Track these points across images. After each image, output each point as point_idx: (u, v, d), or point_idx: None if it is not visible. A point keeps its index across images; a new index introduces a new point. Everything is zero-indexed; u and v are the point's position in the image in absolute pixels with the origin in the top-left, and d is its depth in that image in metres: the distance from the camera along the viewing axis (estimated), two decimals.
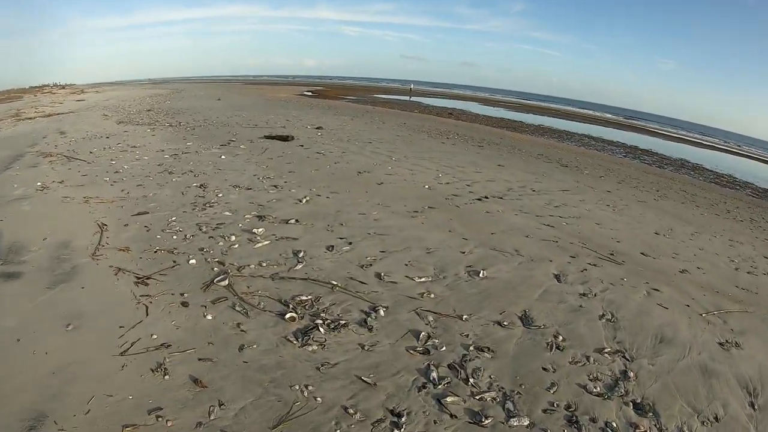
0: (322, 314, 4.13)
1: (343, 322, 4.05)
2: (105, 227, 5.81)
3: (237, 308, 4.12)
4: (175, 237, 5.66)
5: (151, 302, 4.14)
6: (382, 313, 4.31)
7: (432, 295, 4.74)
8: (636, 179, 14.41)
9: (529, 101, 66.64)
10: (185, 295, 4.30)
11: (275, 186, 8.15)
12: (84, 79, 48.04)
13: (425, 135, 17.47)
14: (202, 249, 5.34)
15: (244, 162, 10.02)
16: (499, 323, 4.35)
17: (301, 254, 5.40)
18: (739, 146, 46.36)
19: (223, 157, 10.31)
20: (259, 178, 8.63)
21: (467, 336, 4.10)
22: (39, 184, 7.59)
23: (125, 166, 9.05)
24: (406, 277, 5.06)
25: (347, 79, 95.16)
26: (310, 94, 38.97)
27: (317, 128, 16.00)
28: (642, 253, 6.93)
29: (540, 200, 9.22)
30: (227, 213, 6.58)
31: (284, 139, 12.97)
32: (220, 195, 7.48)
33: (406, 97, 44.86)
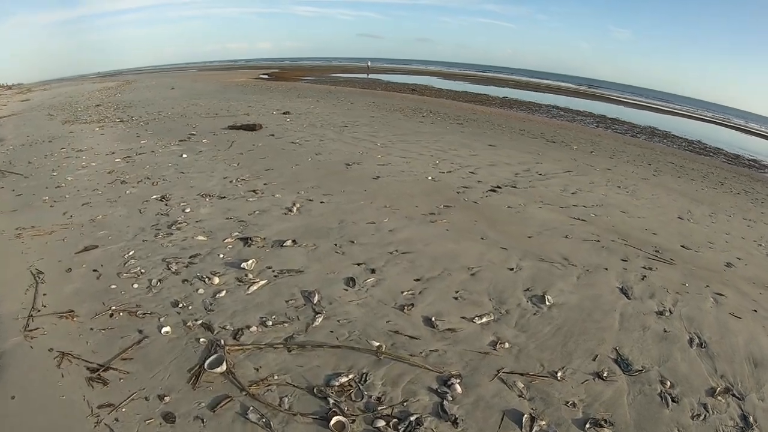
0: (380, 407, 2.79)
1: (415, 416, 2.72)
2: (41, 276, 4.09)
3: (251, 417, 2.69)
4: (136, 285, 4.09)
5: (116, 420, 2.63)
6: (458, 388, 2.99)
7: (506, 345, 3.48)
8: (623, 152, 13.47)
9: (487, 73, 64.99)
10: (166, 399, 2.80)
11: (254, 191, 6.56)
12: (32, 78, 43.74)
13: (399, 114, 16.02)
14: (176, 304, 3.79)
15: (210, 160, 8.47)
16: (599, 375, 3.23)
17: (316, 298, 3.93)
18: (696, 111, 46.21)
19: (184, 155, 8.55)
20: (231, 181, 7.05)
21: (573, 405, 2.93)
22: None
23: (69, 178, 7.23)
24: (463, 318, 3.77)
25: (302, 60, 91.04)
26: (266, 77, 36.39)
27: (284, 113, 14.22)
28: (683, 246, 5.97)
29: (553, 186, 8.08)
30: (201, 237, 4.99)
31: (251, 128, 11.36)
32: (188, 210, 5.90)
33: (364, 75, 42.57)
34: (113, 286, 4.00)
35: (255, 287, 4.08)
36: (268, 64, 66.50)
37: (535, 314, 3.81)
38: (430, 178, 7.83)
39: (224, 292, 3.99)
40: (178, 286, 4.05)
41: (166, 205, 6.00)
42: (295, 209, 5.94)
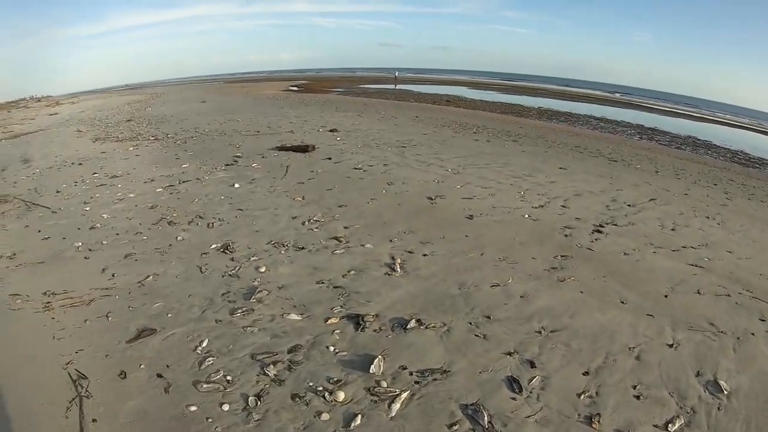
0: None
1: None
2: (84, 386, 2.72)
3: None
4: (226, 406, 2.82)
5: None
6: None
7: None
8: (683, 170, 12.04)
9: (512, 81, 63.37)
10: None
11: (336, 239, 5.33)
12: (61, 90, 43.51)
13: (450, 131, 14.74)
14: None
15: (268, 192, 7.29)
16: None
17: (485, 418, 2.79)
18: (726, 116, 43.87)
19: (236, 185, 7.22)
20: (304, 223, 5.83)
21: None
22: None
23: (104, 215, 5.99)
24: (656, 427, 2.87)
25: (325, 70, 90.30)
26: (295, 89, 35.39)
27: (331, 131, 12.94)
28: None
29: (650, 222, 6.92)
30: (293, 316, 3.67)
31: (303, 150, 10.12)
32: (263, 269, 4.63)
33: (392, 86, 41.32)
34: (193, 408, 2.68)
35: (397, 405, 2.83)
36: (292, 75, 65.90)
37: (719, 409, 3.11)
38: (526, 215, 6.61)
39: (359, 417, 2.73)
40: (288, 407, 2.78)
41: (232, 259, 4.62)
42: (398, 267, 4.56)
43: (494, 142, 12.83)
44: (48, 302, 3.98)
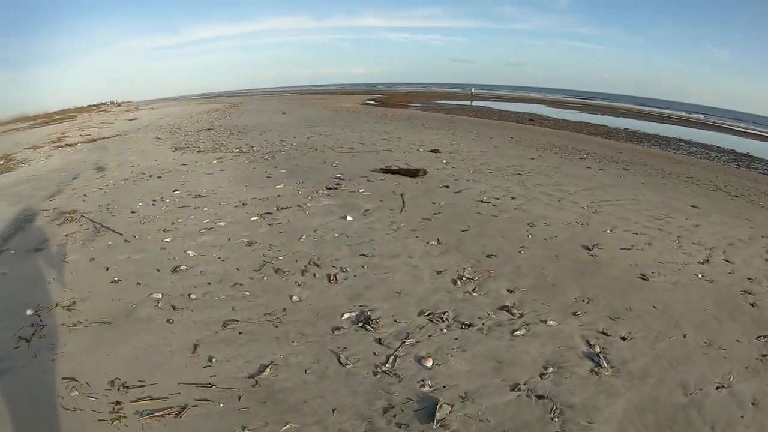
0: None
1: None
2: None
3: None
4: None
5: None
6: None
7: None
8: None
9: (588, 100, 59.91)
10: None
11: (507, 309, 3.97)
12: (140, 96, 44.85)
13: (554, 155, 12.88)
14: None
15: (391, 229, 5.86)
16: None
17: None
18: None
19: (349, 217, 5.73)
20: (455, 282, 4.46)
21: None
22: (19, 335, 3.48)
23: (190, 253, 4.68)
24: None
25: (396, 85, 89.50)
26: (373, 102, 34.41)
27: (432, 151, 11.57)
28: None
29: None
30: None
31: (413, 174, 8.77)
32: (428, 361, 3.21)
33: (468, 102, 40.25)
34: None
35: None
36: (365, 89, 65.57)
37: None
38: (699, 275, 4.94)
39: None
40: None
41: (379, 342, 3.21)
42: (602, 360, 3.06)
43: (607, 171, 10.92)
44: (117, 403, 2.58)
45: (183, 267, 4.46)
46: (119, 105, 32.90)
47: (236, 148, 11.49)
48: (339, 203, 6.67)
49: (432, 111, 28.00)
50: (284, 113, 22.23)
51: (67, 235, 5.41)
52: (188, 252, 4.81)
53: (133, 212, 6.28)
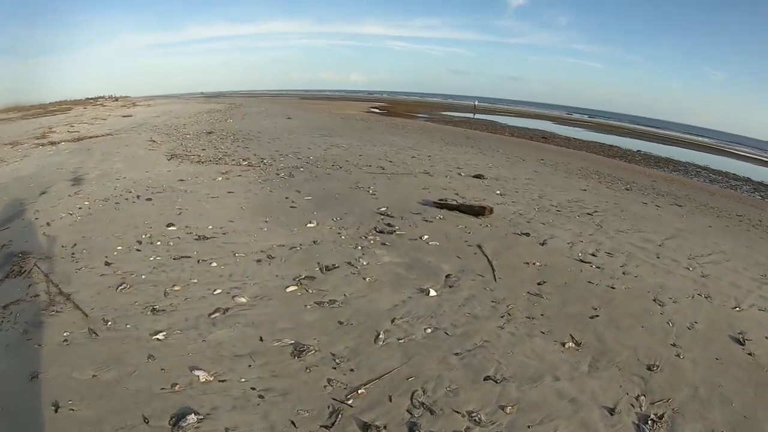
0: None
1: None
2: None
3: None
4: None
5: None
6: None
7: None
8: None
9: (590, 117, 58.40)
10: None
11: None
12: (138, 92, 42.00)
13: (600, 185, 10.92)
14: None
15: (501, 318, 3.75)
16: None
17: None
18: None
19: (432, 292, 3.84)
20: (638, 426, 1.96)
21: None
22: None
23: (200, 376, 2.79)
24: None
25: (396, 93, 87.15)
26: (378, 111, 32.14)
27: (476, 177, 9.71)
28: None
29: None
30: None
31: (477, 212, 6.67)
32: None
33: (471, 114, 38.67)
34: None
35: None
36: (365, 96, 63.37)
37: None
38: None
39: None
40: None
41: None
42: None
43: (664, 208, 9.02)
44: None
45: (192, 408, 2.14)
46: (116, 100, 30.22)
47: (243, 160, 9.22)
48: (404, 260, 4.56)
49: (442, 123, 26.03)
50: (290, 118, 19.93)
51: (5, 308, 3.05)
52: (197, 373, 2.49)
53: (108, 263, 4.03)
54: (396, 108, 36.69)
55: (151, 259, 4.21)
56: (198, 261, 4.19)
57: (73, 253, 4.30)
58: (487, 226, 6.11)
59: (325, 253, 4.58)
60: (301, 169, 8.74)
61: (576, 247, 5.60)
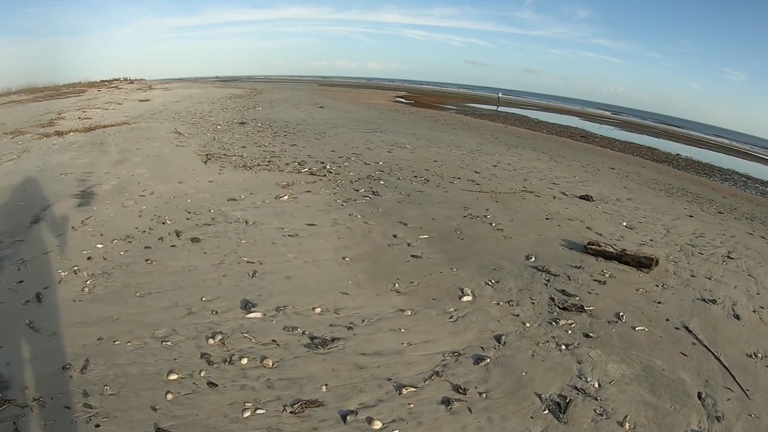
0: None
1: None
2: None
3: None
4: None
5: None
6: None
7: None
8: None
9: (615, 114, 55.39)
10: None
11: None
12: (153, 75, 39.40)
13: (696, 207, 8.86)
14: None
15: None
16: None
17: None
18: None
19: None
20: None
21: None
22: None
23: None
24: None
25: (414, 83, 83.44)
26: (404, 101, 29.64)
27: (584, 198, 7.52)
28: None
29: None
30: None
31: (642, 264, 4.59)
32: None
33: (495, 107, 35.76)
34: None
35: None
36: (385, 84, 60.36)
37: None
38: None
39: None
40: None
41: None
42: None
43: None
44: None
45: None
46: (131, 82, 27.63)
47: (299, 164, 6.99)
48: (636, 372, 2.63)
49: (477, 117, 23.65)
50: (322, 107, 17.47)
51: None
52: None
53: (155, 409, 1.49)
54: (421, 98, 34.14)
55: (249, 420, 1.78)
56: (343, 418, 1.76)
57: (86, 388, 1.86)
58: (663, 286, 4.18)
59: (528, 366, 2.65)
60: (381, 181, 6.37)
61: None
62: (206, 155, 7.38)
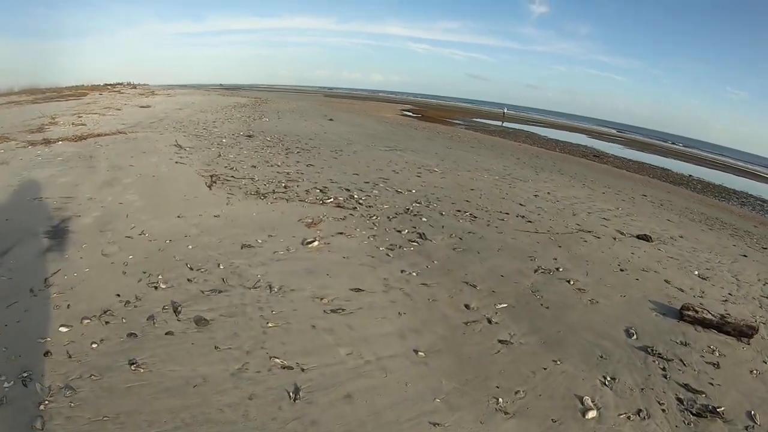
0: None
1: None
2: None
3: None
4: None
5: None
6: None
7: None
8: None
9: (620, 131, 54.44)
10: None
11: None
12: (156, 80, 38.08)
13: (734, 237, 8.10)
14: None
15: None
16: None
17: None
18: None
19: None
20: None
21: None
22: None
23: None
24: None
25: (418, 96, 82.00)
26: (411, 114, 28.65)
27: (641, 239, 6.59)
28: None
29: None
30: None
31: (742, 334, 3.50)
32: None
33: (500, 122, 34.94)
34: None
35: None
36: (388, 97, 59.08)
37: None
38: None
39: None
40: None
41: None
42: None
43: None
44: None
45: None
46: (134, 87, 26.28)
47: (320, 190, 5.98)
48: None
49: (486, 133, 22.68)
50: (331, 120, 16.22)
51: None
52: None
53: None
54: (428, 112, 33.07)
55: None
56: None
57: None
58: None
59: None
60: (423, 218, 5.22)
61: None
62: (211, 176, 6.07)
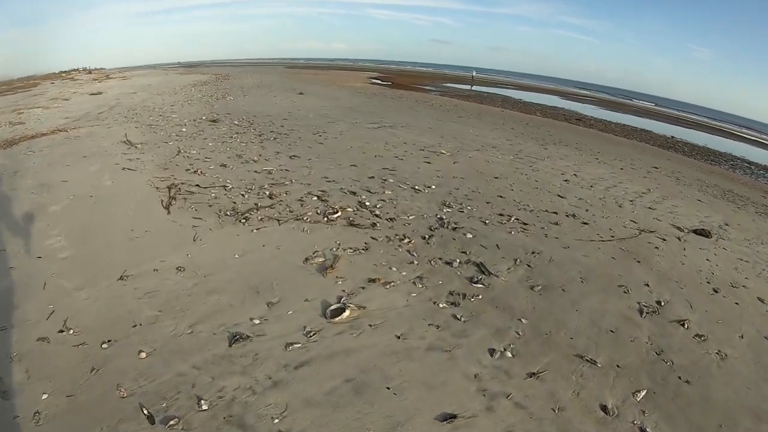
0: None
1: None
2: None
3: None
4: None
5: None
6: None
7: None
8: None
9: (598, 93, 53.01)
10: None
11: None
12: (116, 63, 34.38)
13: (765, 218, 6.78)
14: None
15: None
16: None
17: None
18: None
19: None
20: None
21: None
22: None
23: None
24: None
25: (383, 62, 77.90)
26: (380, 82, 26.47)
27: (700, 234, 5.51)
28: None
29: None
30: None
31: None
32: None
33: (468, 86, 32.28)
34: None
35: None
36: (352, 65, 55.77)
37: None
38: None
39: None
40: None
41: None
42: None
43: None
44: None
45: None
46: (90, 72, 23.29)
47: (317, 197, 4.46)
48: None
49: (463, 99, 20.92)
50: (302, 93, 14.16)
51: None
52: None
53: None
54: (397, 79, 30.88)
55: None
56: None
57: None
58: None
59: None
60: (468, 234, 4.06)
61: None
62: (169, 189, 4.31)
